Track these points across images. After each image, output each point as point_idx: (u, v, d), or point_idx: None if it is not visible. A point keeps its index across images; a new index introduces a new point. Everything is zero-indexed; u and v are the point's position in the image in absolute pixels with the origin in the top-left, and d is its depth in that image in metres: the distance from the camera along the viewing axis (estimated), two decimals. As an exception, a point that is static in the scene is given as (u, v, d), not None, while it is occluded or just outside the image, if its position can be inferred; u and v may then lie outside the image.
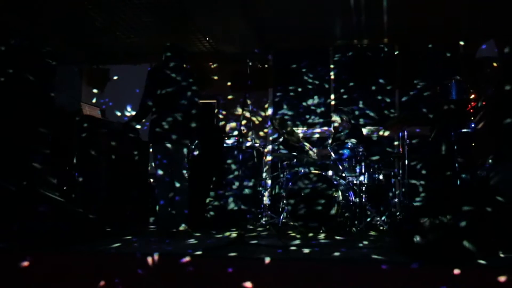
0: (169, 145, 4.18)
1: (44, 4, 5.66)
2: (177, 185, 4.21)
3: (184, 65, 4.40)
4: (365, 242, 3.77)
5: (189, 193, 4.27)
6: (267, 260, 2.64)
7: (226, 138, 6.13)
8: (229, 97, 7.36)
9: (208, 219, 5.09)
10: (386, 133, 6.64)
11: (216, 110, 7.33)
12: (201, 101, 4.48)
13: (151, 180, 6.41)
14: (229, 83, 7.35)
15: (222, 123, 7.28)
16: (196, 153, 4.29)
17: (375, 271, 2.50)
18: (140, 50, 7.28)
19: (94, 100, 7.57)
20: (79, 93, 7.62)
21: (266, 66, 7.28)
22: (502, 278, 2.33)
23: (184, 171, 4.24)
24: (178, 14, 5.96)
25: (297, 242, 3.77)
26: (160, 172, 4.23)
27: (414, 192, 6.23)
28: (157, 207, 4.24)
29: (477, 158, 4.94)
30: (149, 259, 2.78)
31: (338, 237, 4.20)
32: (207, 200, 5.40)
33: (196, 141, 4.24)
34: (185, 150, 4.26)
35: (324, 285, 2.55)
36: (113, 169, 5.00)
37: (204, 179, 5.55)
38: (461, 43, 6.72)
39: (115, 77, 7.75)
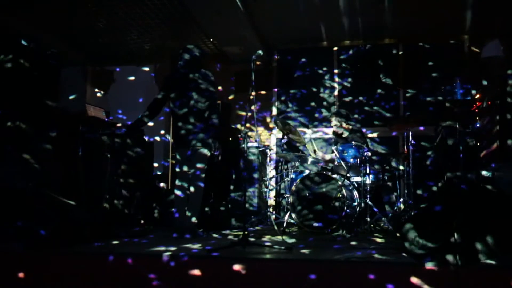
0: (190, 148, 4.21)
1: (47, 6, 5.69)
2: (193, 186, 4.22)
3: (200, 67, 4.37)
4: (370, 242, 3.76)
5: (203, 195, 4.28)
6: (271, 260, 2.64)
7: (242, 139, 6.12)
8: (232, 97, 7.36)
9: (215, 220, 5.10)
10: (391, 133, 6.61)
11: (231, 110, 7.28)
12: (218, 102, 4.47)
13: (158, 181, 6.42)
14: (233, 84, 7.36)
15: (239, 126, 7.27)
16: (214, 154, 4.29)
17: (378, 272, 2.49)
18: (143, 51, 7.30)
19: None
20: (84, 94, 7.63)
21: (270, 66, 7.28)
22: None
23: (202, 173, 4.24)
24: (181, 16, 5.97)
25: (301, 242, 3.76)
26: (180, 174, 4.27)
27: (419, 192, 6.20)
28: (175, 209, 4.26)
29: (482, 158, 4.93)
30: (152, 260, 2.79)
31: (342, 238, 4.19)
32: (222, 202, 5.42)
33: (215, 143, 4.23)
34: (205, 151, 4.25)
35: (327, 286, 2.54)
36: (117, 170, 5.01)
37: (221, 181, 5.57)
38: (466, 42, 6.68)
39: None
